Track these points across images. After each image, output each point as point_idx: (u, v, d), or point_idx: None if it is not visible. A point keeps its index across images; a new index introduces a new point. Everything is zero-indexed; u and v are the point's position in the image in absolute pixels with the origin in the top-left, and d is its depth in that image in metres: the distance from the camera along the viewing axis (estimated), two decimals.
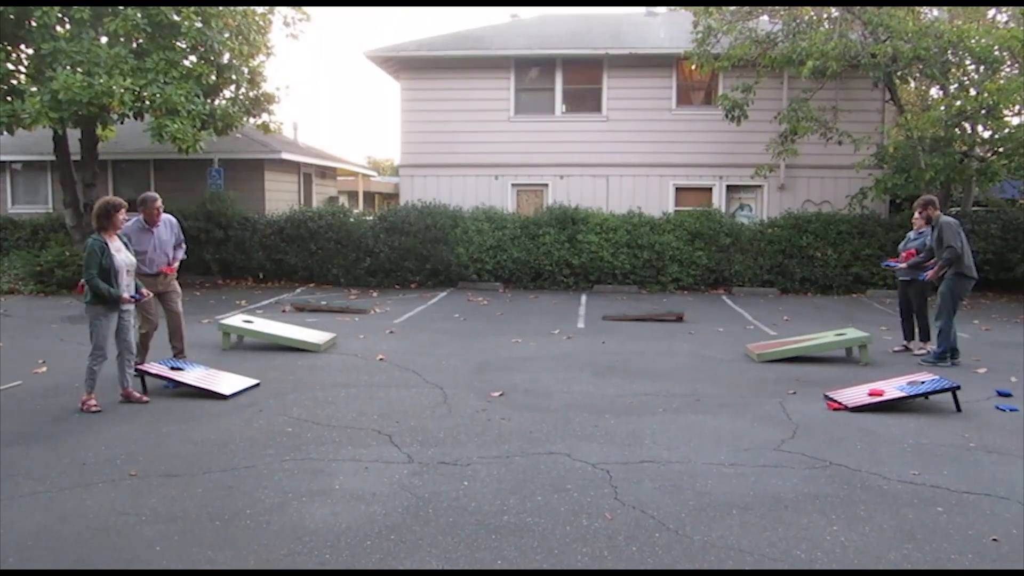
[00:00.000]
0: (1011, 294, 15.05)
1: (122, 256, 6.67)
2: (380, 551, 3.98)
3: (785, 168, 16.99)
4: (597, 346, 9.74)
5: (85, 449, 5.56)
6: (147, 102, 13.01)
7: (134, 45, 13.42)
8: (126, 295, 6.62)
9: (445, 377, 7.90)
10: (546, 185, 17.95)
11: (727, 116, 15.47)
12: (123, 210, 6.74)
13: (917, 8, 15.24)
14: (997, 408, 6.82)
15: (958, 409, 6.68)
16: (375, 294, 14.88)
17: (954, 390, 6.70)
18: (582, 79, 17.85)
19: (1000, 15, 18.69)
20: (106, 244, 6.54)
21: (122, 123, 14.82)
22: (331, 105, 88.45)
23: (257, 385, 7.42)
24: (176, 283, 8.12)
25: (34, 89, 12.85)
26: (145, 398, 6.86)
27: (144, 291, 7.01)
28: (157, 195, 7.96)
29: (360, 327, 10.95)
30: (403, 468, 5.21)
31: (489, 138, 17.82)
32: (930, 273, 8.76)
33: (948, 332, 8.72)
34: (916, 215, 9.38)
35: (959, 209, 16.50)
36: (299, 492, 4.77)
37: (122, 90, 12.30)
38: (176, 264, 8.08)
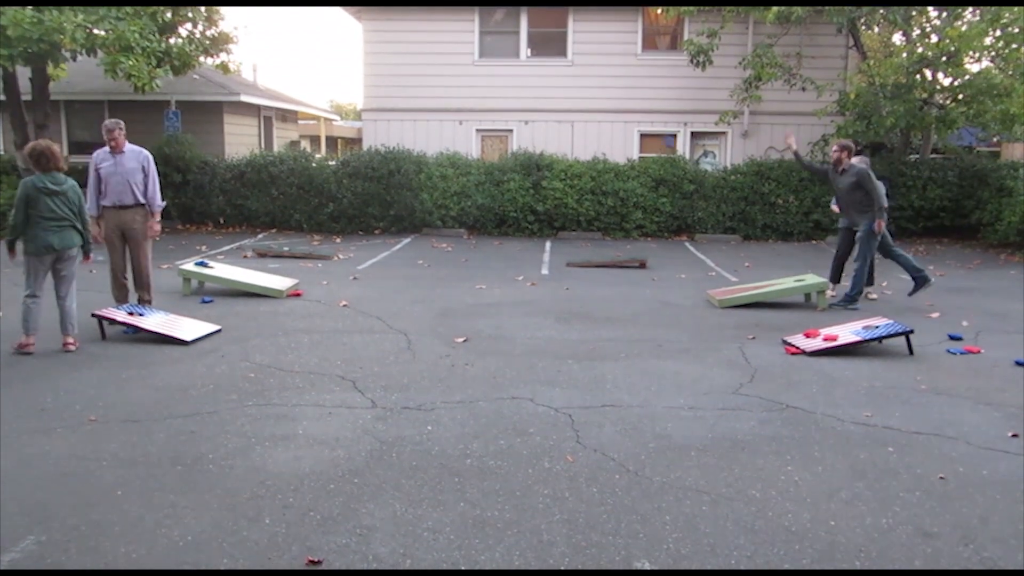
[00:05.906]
0: (966, 240, 15.34)
1: None
2: (343, 494, 4.01)
3: (749, 115, 17.02)
4: (561, 292, 9.78)
5: (43, 394, 5.49)
6: (99, 39, 12.60)
7: None
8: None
9: (409, 323, 7.90)
10: (511, 130, 17.80)
11: (692, 62, 15.39)
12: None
13: None
14: (948, 352, 7.01)
15: (911, 353, 6.87)
16: (338, 240, 14.75)
17: (907, 334, 6.87)
18: (547, 22, 17.60)
19: None
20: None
21: (74, 60, 14.38)
22: (292, 47, 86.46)
23: (219, 331, 7.36)
24: (150, 226, 7.80)
25: None
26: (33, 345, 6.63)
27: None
28: (116, 121, 7.68)
29: (323, 273, 10.87)
30: (367, 413, 5.23)
31: (453, 82, 17.55)
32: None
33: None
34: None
35: (918, 156, 16.68)
36: (262, 437, 4.77)
37: (73, 26, 11.86)
38: (156, 212, 7.82)
